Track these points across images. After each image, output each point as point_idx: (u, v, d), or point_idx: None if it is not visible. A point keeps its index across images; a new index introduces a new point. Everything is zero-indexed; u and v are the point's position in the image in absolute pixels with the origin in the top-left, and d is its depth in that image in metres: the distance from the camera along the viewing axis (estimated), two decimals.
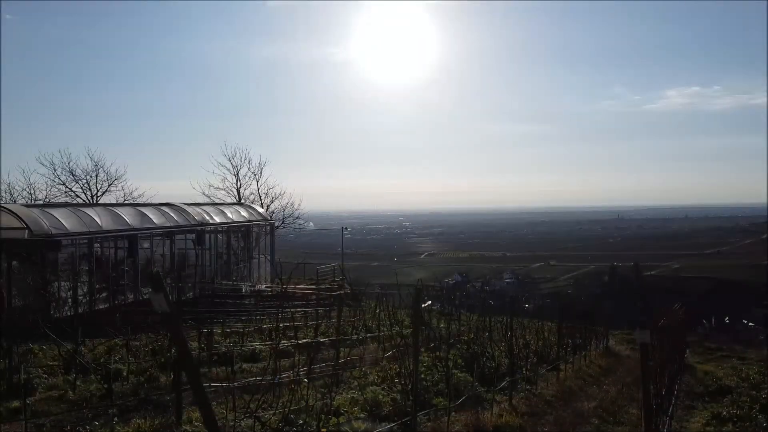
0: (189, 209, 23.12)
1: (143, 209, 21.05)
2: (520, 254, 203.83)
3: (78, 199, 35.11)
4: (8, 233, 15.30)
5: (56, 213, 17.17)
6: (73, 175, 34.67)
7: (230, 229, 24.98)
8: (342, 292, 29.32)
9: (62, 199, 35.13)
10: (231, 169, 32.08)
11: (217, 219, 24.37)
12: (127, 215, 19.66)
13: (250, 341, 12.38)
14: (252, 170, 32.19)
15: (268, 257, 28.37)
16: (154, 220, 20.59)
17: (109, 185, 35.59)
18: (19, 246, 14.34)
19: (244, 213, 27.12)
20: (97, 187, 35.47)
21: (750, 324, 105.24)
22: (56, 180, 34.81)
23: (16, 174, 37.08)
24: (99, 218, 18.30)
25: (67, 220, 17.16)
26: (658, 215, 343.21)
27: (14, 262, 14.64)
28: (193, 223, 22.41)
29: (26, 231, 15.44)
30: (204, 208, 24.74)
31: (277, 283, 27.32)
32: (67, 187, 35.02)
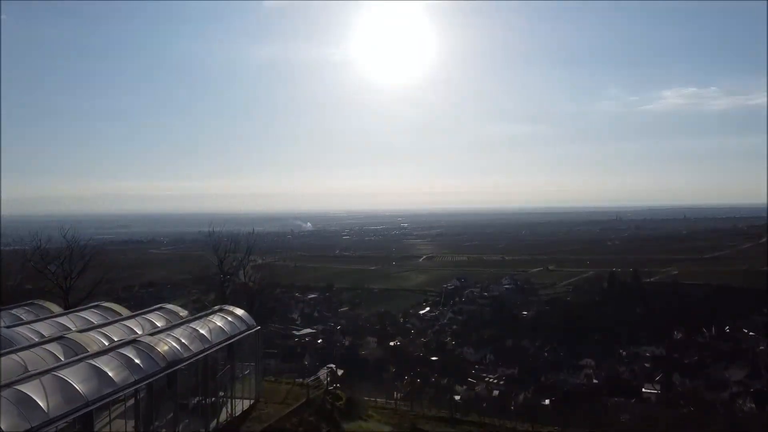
0: (158, 346, 20.50)
1: (99, 362, 18.25)
2: (518, 258, 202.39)
3: (50, 284, 32.77)
4: None
5: None
6: (43, 259, 32.39)
7: (207, 357, 22.42)
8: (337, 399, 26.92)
9: (31, 287, 32.75)
10: (216, 260, 29.76)
11: (192, 347, 21.78)
12: (80, 382, 16.96)
13: None
14: (238, 258, 29.87)
15: (253, 367, 25.97)
16: (115, 379, 17.92)
17: (84, 266, 33.25)
18: None
19: (223, 324, 24.60)
20: (71, 267, 33.14)
21: (750, 333, 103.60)
22: (29, 263, 32.66)
23: None
24: (45, 399, 15.68)
25: (6, 415, 14.60)
26: (656, 216, 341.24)
27: None
28: (162, 366, 19.81)
29: None
30: (175, 333, 22.14)
31: (262, 404, 24.89)
32: (38, 270, 32.74)
